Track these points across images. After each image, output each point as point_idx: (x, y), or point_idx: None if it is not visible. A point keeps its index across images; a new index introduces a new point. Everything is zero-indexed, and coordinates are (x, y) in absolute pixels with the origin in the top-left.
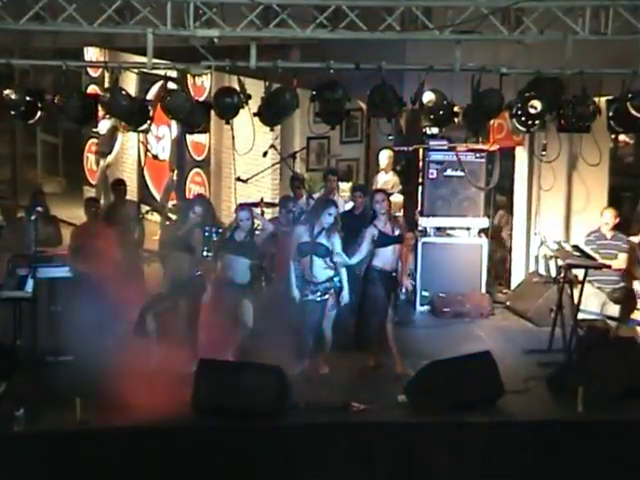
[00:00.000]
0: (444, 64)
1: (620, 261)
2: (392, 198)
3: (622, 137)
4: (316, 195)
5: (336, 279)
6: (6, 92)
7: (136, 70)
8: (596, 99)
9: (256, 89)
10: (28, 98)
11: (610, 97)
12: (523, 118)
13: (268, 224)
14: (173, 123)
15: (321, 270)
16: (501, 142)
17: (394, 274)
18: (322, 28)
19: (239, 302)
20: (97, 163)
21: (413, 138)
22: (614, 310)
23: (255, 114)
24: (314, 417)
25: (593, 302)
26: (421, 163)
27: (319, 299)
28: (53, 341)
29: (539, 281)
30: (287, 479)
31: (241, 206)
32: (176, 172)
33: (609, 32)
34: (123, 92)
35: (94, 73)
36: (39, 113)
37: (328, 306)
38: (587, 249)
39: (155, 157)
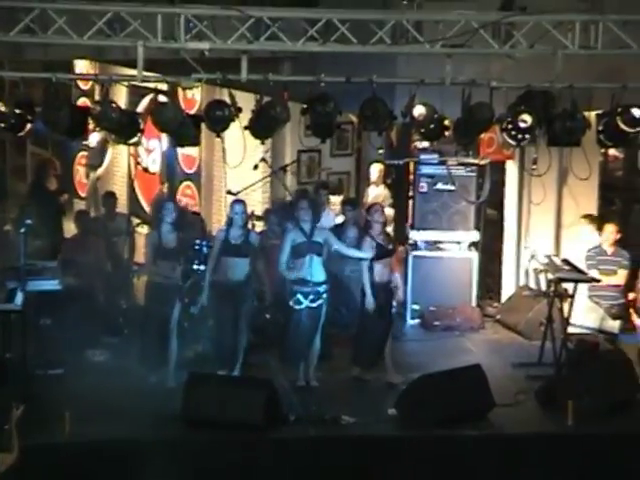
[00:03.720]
0: (435, 78)
1: (619, 277)
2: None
3: (612, 151)
4: None
5: (326, 285)
6: None
7: (126, 83)
8: (586, 113)
9: (247, 102)
10: (18, 111)
11: (600, 111)
12: (513, 132)
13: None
14: (164, 136)
15: (319, 270)
16: (491, 156)
17: (389, 286)
18: (313, 41)
19: (239, 306)
20: (87, 176)
21: (404, 151)
22: (612, 325)
23: (246, 127)
24: (304, 430)
25: (591, 317)
26: (412, 176)
27: (315, 305)
28: (42, 354)
29: (529, 295)
30: None
31: (235, 200)
32: (166, 185)
33: (599, 46)
34: (113, 105)
35: (84, 86)
36: (29, 126)
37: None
38: (587, 264)
39: (145, 170)
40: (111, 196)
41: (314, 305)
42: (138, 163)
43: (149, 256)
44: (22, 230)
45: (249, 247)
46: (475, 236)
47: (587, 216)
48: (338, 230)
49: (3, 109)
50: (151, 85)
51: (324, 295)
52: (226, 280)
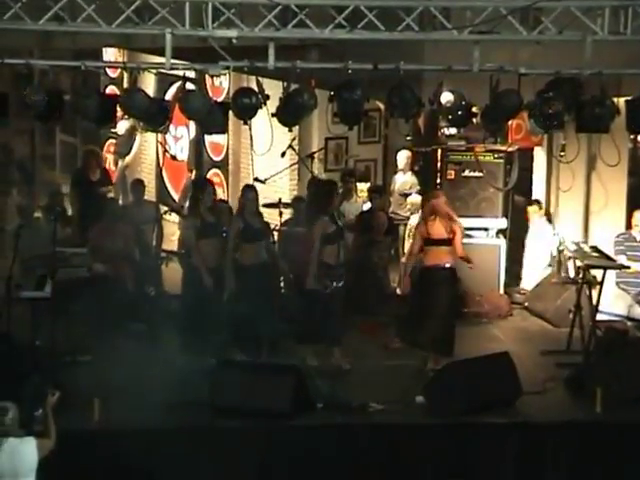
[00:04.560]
0: (463, 64)
1: None
2: (410, 199)
3: None
4: None
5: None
6: (26, 92)
7: (154, 70)
8: (615, 99)
9: (274, 89)
10: (47, 99)
11: (629, 97)
12: (542, 119)
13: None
14: (191, 123)
15: (343, 254)
16: (519, 142)
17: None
18: (340, 28)
19: (263, 290)
20: (115, 163)
21: (431, 138)
22: None
23: (273, 114)
24: (331, 417)
25: (619, 305)
26: (439, 163)
27: (340, 285)
28: (71, 341)
29: (558, 282)
30: (305, 479)
31: (247, 186)
32: (194, 173)
33: (628, 32)
34: (141, 92)
35: (112, 73)
36: (58, 113)
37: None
38: (615, 250)
39: (173, 157)
40: (139, 183)
41: (340, 285)
42: (166, 151)
43: (232, 242)
44: (52, 217)
45: (265, 232)
46: (503, 223)
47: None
48: (365, 217)
49: (33, 97)
50: (179, 73)
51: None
52: (248, 265)
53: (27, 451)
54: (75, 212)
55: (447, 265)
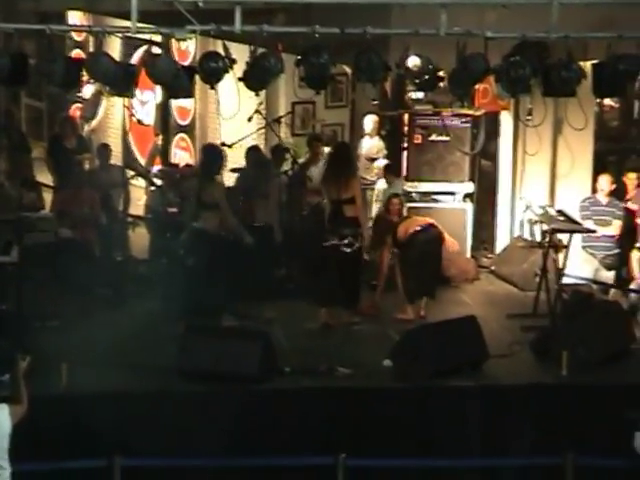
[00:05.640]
0: (429, 28)
1: (614, 227)
2: (377, 163)
3: (607, 101)
4: (300, 160)
5: None
6: None
7: (120, 34)
8: (581, 63)
9: (241, 54)
10: (12, 62)
11: (596, 61)
12: (508, 83)
13: None
14: (158, 88)
15: None
16: (486, 106)
17: None
18: None
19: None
20: (81, 128)
21: (398, 103)
22: (607, 276)
23: (240, 79)
24: (299, 381)
25: (586, 268)
26: (406, 128)
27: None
28: (39, 306)
29: (524, 246)
30: (272, 443)
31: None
32: (161, 137)
33: None
34: (107, 57)
35: (78, 37)
36: (23, 78)
37: None
38: (581, 215)
39: (140, 122)
40: (105, 148)
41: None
42: (132, 115)
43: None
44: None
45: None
46: (470, 187)
47: None
48: None
49: None
50: (145, 37)
51: None
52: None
53: (1, 417)
54: (55, 180)
55: None
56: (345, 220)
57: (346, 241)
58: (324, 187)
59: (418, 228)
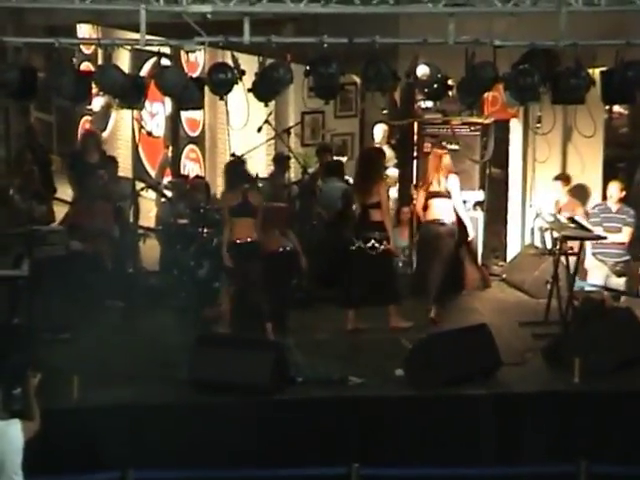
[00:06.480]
0: (438, 37)
1: (624, 234)
2: (387, 172)
3: (616, 108)
4: (311, 170)
5: None
6: None
7: (129, 47)
8: (590, 70)
9: (250, 65)
10: (21, 76)
11: (604, 68)
12: (517, 90)
13: None
14: (167, 99)
15: None
16: (495, 114)
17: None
18: (315, 2)
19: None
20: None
21: (407, 112)
22: (617, 283)
23: (249, 90)
24: (311, 391)
25: (596, 275)
26: (416, 137)
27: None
28: (50, 319)
29: (535, 253)
30: (285, 454)
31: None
32: (171, 148)
33: (603, 3)
34: (116, 69)
35: (87, 50)
36: (32, 91)
37: None
38: (591, 222)
39: (149, 134)
40: (111, 161)
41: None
42: (142, 127)
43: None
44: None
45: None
46: (480, 195)
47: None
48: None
49: (6, 75)
50: (154, 49)
51: None
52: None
53: (13, 433)
54: (75, 195)
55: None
56: (371, 224)
57: (370, 244)
58: (354, 192)
59: (431, 219)
